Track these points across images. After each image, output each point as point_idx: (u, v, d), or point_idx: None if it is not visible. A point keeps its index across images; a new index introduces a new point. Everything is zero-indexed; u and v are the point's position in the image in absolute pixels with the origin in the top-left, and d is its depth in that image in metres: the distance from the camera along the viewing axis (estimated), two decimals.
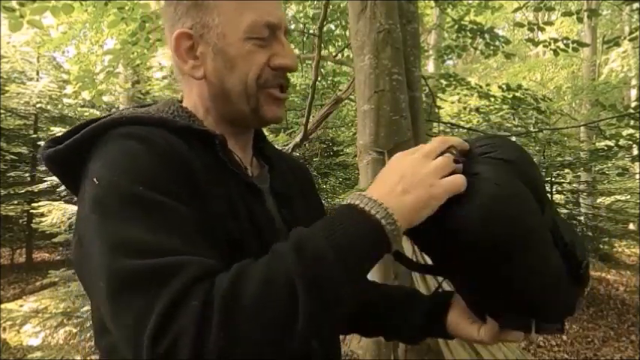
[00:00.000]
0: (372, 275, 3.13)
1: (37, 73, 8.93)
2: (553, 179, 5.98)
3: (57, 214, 4.85)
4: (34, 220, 6.71)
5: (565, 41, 4.51)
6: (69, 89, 5.76)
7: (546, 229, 0.65)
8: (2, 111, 7.80)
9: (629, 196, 7.42)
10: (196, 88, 0.73)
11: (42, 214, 5.15)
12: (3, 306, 5.03)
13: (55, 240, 4.79)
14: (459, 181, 0.61)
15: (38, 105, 8.19)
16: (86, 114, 8.58)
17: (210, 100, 0.72)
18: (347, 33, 5.87)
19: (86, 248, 0.56)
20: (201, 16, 0.68)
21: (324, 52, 4.97)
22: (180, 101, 0.76)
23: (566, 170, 6.01)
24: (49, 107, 8.45)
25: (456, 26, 5.24)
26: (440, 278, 0.82)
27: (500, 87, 5.17)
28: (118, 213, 0.54)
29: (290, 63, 0.70)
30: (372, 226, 0.55)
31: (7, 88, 7.93)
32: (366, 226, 0.55)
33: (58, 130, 6.69)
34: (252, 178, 0.73)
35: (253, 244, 0.63)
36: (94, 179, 0.57)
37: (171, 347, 0.46)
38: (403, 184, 0.59)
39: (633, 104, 5.94)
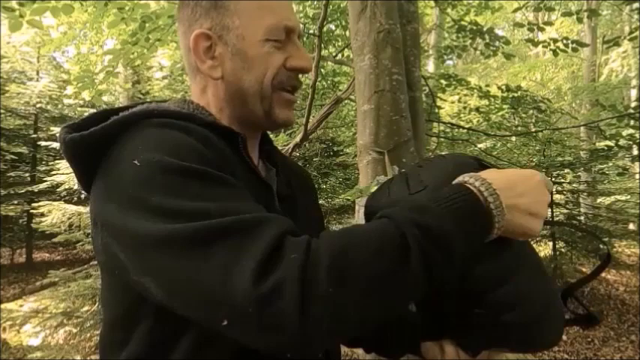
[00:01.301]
0: None
1: (37, 73, 8.94)
2: (553, 179, 5.98)
3: (57, 214, 4.85)
4: (34, 220, 6.71)
5: (565, 41, 4.50)
6: (69, 89, 5.75)
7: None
8: (2, 111, 7.80)
9: (629, 196, 7.42)
10: (212, 88, 0.74)
11: (42, 214, 5.16)
12: (3, 306, 5.03)
13: (55, 240, 4.79)
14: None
15: (38, 105, 8.19)
16: (86, 114, 8.56)
17: (225, 100, 0.73)
18: (347, 33, 5.86)
19: (132, 230, 0.54)
20: (221, 18, 0.70)
21: (324, 52, 4.96)
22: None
23: (566, 170, 6.01)
24: (49, 107, 8.46)
25: (456, 26, 5.24)
26: None
27: (499, 88, 5.16)
28: (180, 186, 0.54)
29: (305, 65, 0.73)
30: (487, 215, 0.58)
31: (7, 88, 7.93)
32: (481, 213, 0.58)
33: (58, 130, 6.66)
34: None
35: None
36: (134, 161, 0.56)
37: (274, 292, 0.46)
38: (526, 199, 0.61)
39: (633, 104, 5.94)
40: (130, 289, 0.56)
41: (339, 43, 6.24)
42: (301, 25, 6.10)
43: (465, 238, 0.55)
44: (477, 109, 5.63)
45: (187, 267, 0.50)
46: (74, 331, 4.09)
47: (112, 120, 0.62)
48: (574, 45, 4.53)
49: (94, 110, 0.73)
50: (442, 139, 5.53)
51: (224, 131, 0.68)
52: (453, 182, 0.61)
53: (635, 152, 5.91)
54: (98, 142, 0.61)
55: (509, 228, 0.60)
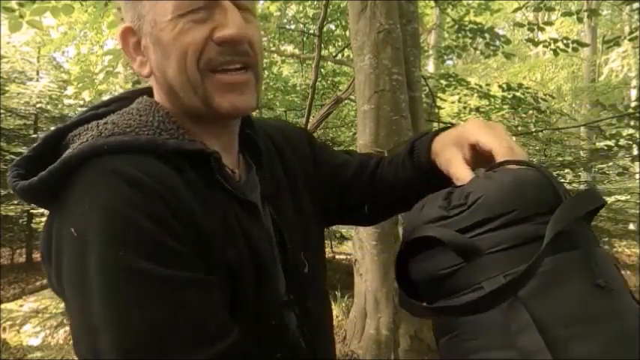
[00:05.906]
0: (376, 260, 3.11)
1: (37, 73, 8.93)
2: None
3: None
4: (34, 220, 6.72)
5: (565, 41, 4.52)
6: (69, 90, 5.77)
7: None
8: (2, 111, 7.80)
9: (629, 196, 7.41)
10: (154, 89, 0.65)
11: (42, 214, 5.16)
12: (3, 306, 5.03)
13: None
14: None
15: (38, 105, 8.19)
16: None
17: (165, 99, 0.62)
18: (347, 33, 5.87)
19: (86, 307, 0.49)
20: (135, 6, 0.59)
21: (324, 52, 4.97)
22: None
23: (566, 170, 6.00)
24: (49, 107, 8.45)
25: (456, 26, 5.25)
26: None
27: (500, 86, 5.18)
28: (130, 293, 0.47)
29: (233, 33, 0.56)
30: None
31: (7, 88, 7.92)
32: None
33: None
34: (245, 189, 0.65)
35: (249, 269, 0.58)
36: (72, 230, 0.49)
37: None
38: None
39: (633, 104, 5.93)
40: None
41: (339, 43, 6.25)
42: (301, 25, 6.05)
43: None
44: (477, 109, 5.64)
45: None
46: None
47: (60, 162, 0.52)
48: (574, 45, 4.54)
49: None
50: None
51: (193, 155, 0.57)
52: None
53: (635, 152, 5.91)
54: (48, 187, 0.53)
55: None
